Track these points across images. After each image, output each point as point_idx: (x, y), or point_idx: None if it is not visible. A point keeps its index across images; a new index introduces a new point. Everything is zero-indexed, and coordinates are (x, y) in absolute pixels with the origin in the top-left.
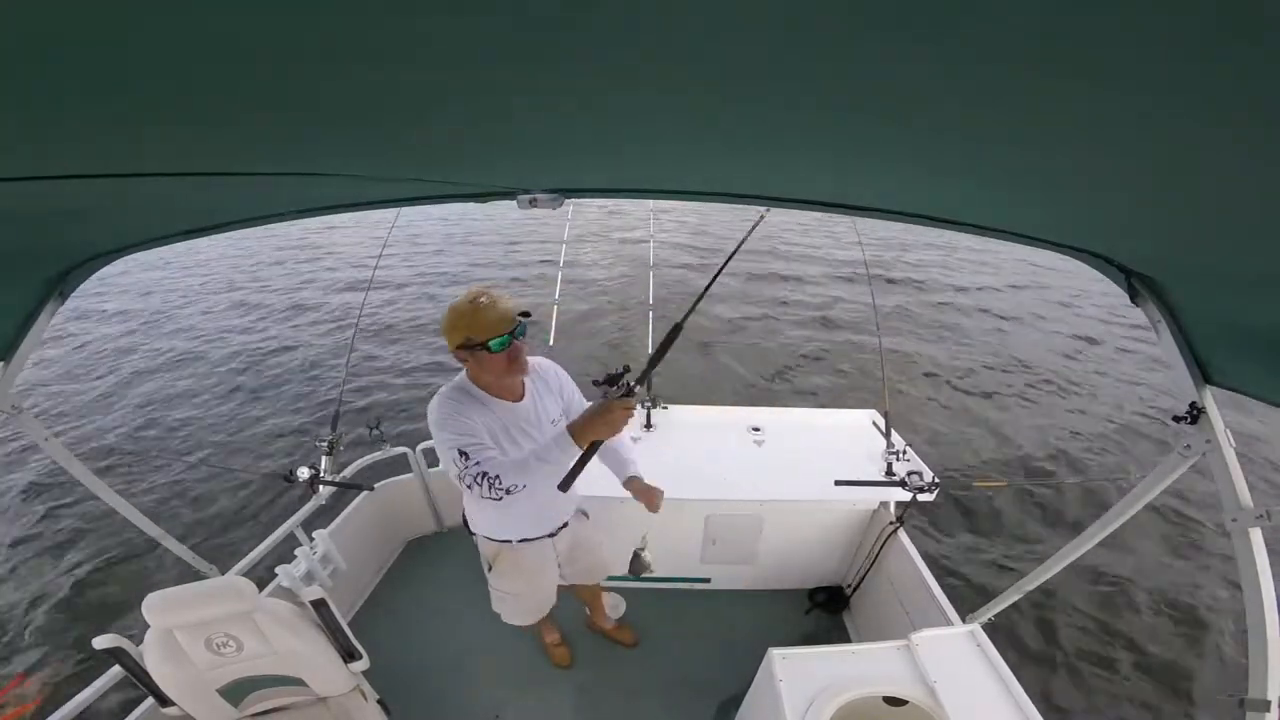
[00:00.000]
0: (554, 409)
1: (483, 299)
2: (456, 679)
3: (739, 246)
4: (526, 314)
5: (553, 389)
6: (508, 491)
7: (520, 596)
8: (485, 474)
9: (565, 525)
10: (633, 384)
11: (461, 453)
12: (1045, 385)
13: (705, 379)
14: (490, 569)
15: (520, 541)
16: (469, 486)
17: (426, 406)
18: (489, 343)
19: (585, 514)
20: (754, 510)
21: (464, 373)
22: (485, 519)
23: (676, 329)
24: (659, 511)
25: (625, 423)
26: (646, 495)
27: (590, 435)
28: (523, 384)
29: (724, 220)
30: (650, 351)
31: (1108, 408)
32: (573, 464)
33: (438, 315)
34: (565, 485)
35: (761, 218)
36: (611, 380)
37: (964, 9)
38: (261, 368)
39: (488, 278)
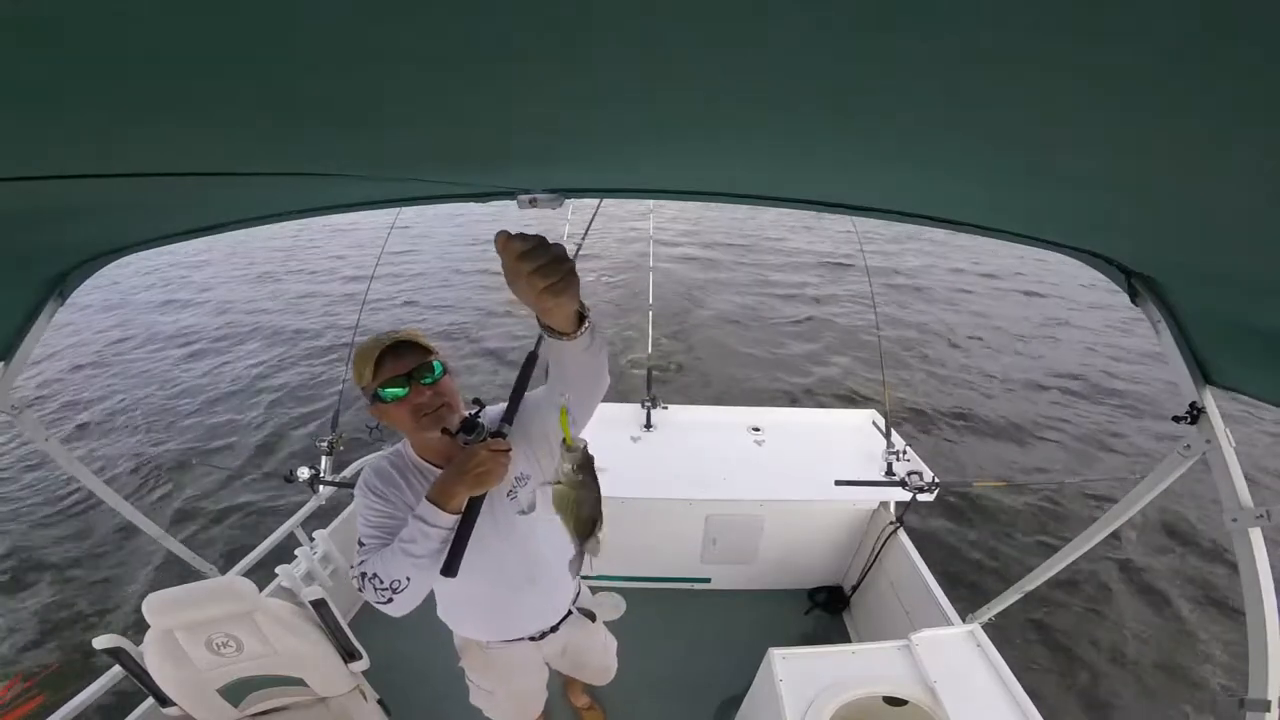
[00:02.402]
0: (518, 463)
1: (398, 338)
2: (457, 679)
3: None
4: (427, 350)
5: (515, 434)
6: (392, 590)
7: (495, 695)
8: (364, 573)
9: (555, 629)
10: (500, 421)
11: (360, 544)
12: (1044, 385)
13: (707, 379)
14: (459, 660)
15: (490, 642)
16: (360, 590)
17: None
18: (379, 391)
19: (590, 615)
20: (754, 510)
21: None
22: (440, 605)
23: (531, 358)
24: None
25: (503, 468)
26: None
27: (457, 494)
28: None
29: (722, 220)
30: (650, 351)
31: (1108, 405)
32: (452, 538)
33: (438, 315)
34: (449, 569)
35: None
36: (467, 426)
37: (964, 8)
38: (262, 368)
39: (489, 279)
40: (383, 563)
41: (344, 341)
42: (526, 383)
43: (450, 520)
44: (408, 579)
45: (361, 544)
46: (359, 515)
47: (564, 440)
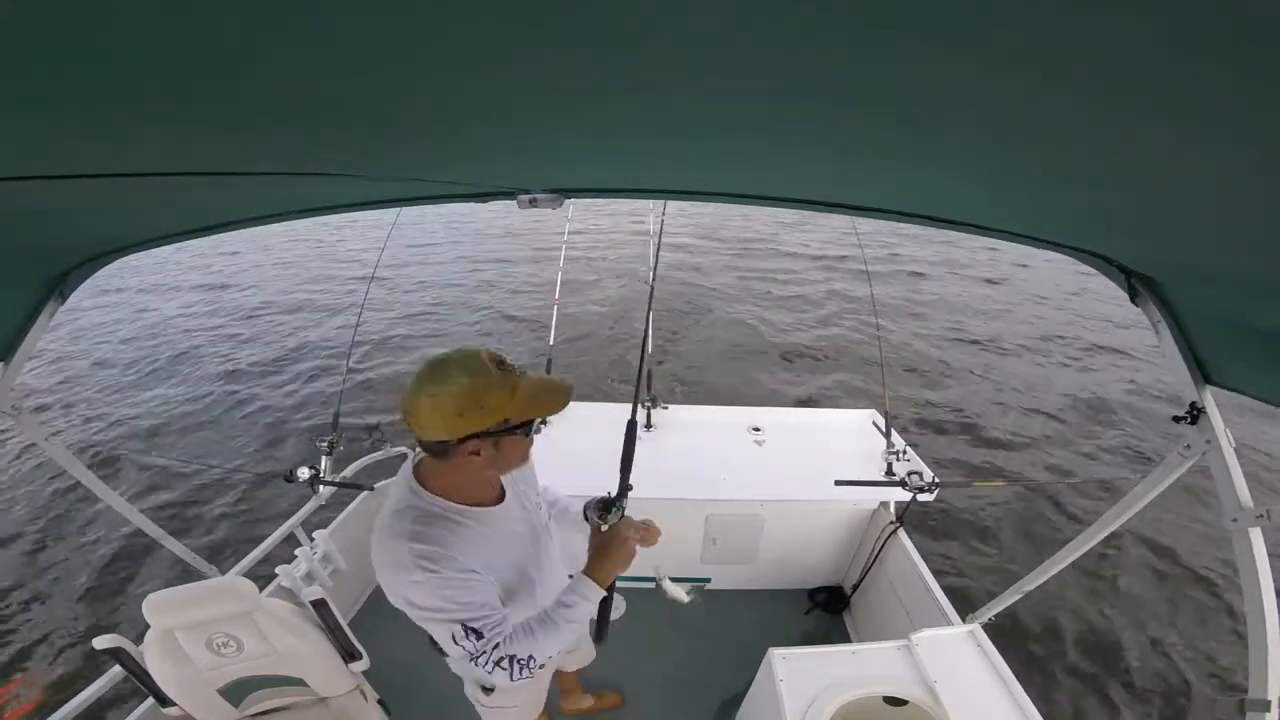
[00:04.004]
0: (532, 486)
1: (512, 365)
2: (457, 679)
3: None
4: None
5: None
6: (542, 667)
7: (520, 707)
8: (514, 658)
9: None
10: (622, 500)
11: (471, 631)
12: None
13: (708, 379)
14: (490, 689)
15: None
16: (489, 673)
17: (400, 559)
18: (532, 424)
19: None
20: (754, 510)
21: (411, 485)
22: None
23: (632, 425)
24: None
25: (636, 545)
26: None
27: (614, 573)
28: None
29: (725, 218)
30: (649, 350)
31: (1107, 404)
32: (598, 611)
33: (437, 315)
34: (600, 636)
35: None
36: (606, 505)
37: (964, 8)
38: (261, 368)
39: (490, 282)
40: (536, 645)
41: (344, 340)
42: (633, 454)
43: (600, 596)
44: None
45: (475, 631)
46: (439, 600)
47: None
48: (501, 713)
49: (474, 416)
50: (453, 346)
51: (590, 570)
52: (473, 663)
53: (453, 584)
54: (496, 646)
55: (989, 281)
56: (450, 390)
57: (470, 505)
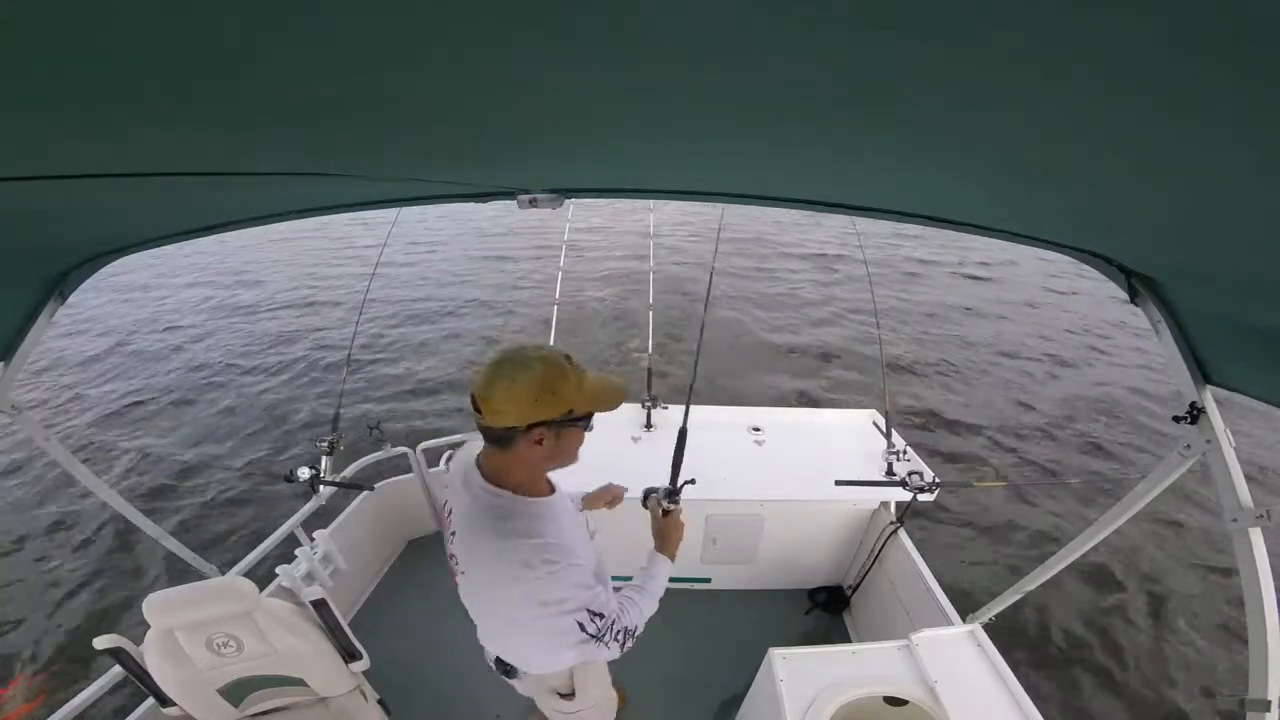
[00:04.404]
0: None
1: (576, 362)
2: (457, 679)
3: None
4: None
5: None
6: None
7: (601, 706)
8: (627, 629)
9: None
10: (676, 487)
11: (595, 614)
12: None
13: (710, 380)
14: (570, 694)
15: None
16: (608, 647)
17: (525, 558)
18: (590, 417)
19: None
20: (754, 510)
21: (486, 489)
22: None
23: (683, 433)
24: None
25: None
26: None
27: (675, 548)
28: None
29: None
30: (649, 350)
31: (1107, 404)
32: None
33: (438, 313)
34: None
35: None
36: (670, 495)
37: (964, 8)
38: (261, 368)
39: (490, 281)
40: (640, 614)
41: (344, 340)
42: (682, 458)
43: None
44: None
45: (598, 613)
46: (569, 589)
47: None
48: (583, 715)
49: (546, 403)
50: (469, 345)
51: (662, 547)
52: (597, 643)
53: (572, 571)
54: (613, 623)
55: (989, 280)
56: (528, 375)
57: (542, 497)
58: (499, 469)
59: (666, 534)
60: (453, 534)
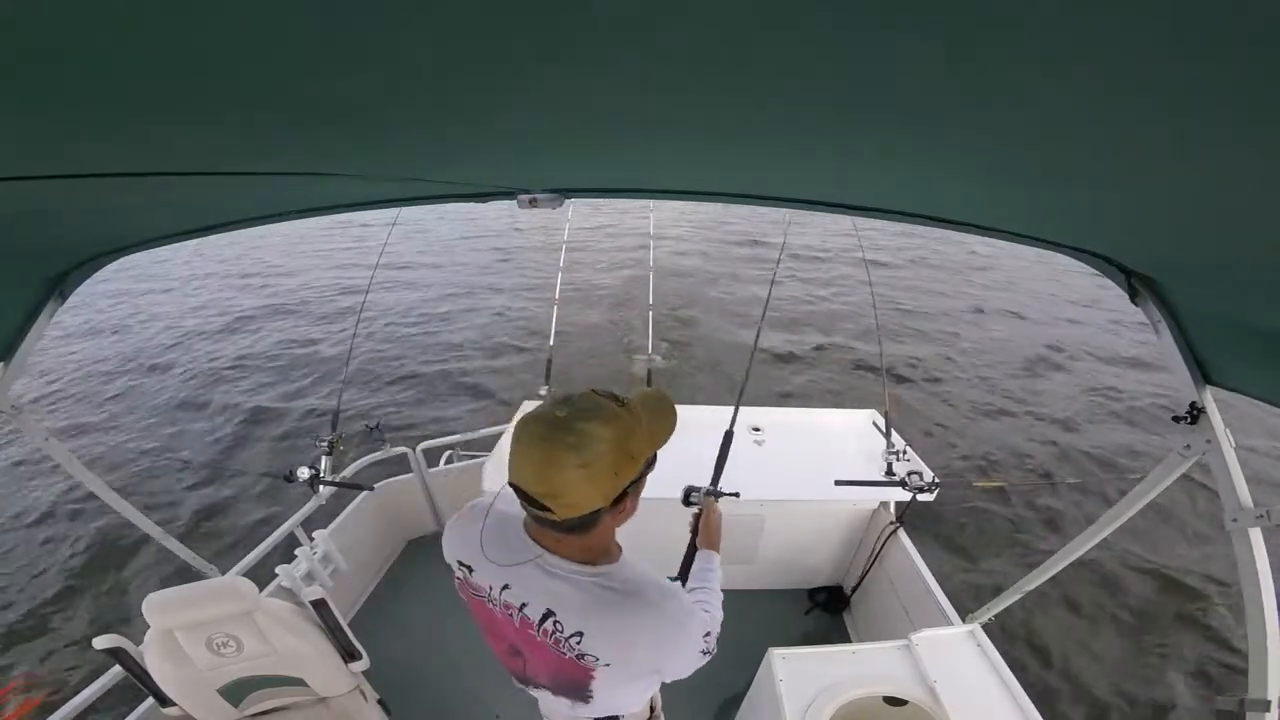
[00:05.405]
0: None
1: (620, 394)
2: (457, 679)
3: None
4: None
5: None
6: None
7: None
8: (716, 636)
9: None
10: (712, 487)
11: (708, 633)
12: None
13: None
14: (651, 713)
15: None
16: (708, 658)
17: (677, 612)
18: (655, 459)
19: None
20: (754, 510)
21: (582, 572)
22: None
23: (728, 436)
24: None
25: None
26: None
27: (718, 542)
28: None
29: (725, 218)
30: (650, 351)
31: (1108, 404)
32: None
33: (437, 313)
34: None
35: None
36: (712, 493)
37: (964, 8)
38: (261, 368)
39: (490, 281)
40: (720, 613)
41: (344, 339)
42: (727, 455)
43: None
44: None
45: (709, 631)
46: (699, 623)
47: None
48: None
49: (626, 469)
50: (470, 345)
51: (707, 543)
52: (708, 659)
53: (687, 602)
54: (710, 633)
55: (989, 280)
56: (599, 450)
57: (620, 552)
58: (584, 549)
59: (713, 529)
60: (550, 621)
